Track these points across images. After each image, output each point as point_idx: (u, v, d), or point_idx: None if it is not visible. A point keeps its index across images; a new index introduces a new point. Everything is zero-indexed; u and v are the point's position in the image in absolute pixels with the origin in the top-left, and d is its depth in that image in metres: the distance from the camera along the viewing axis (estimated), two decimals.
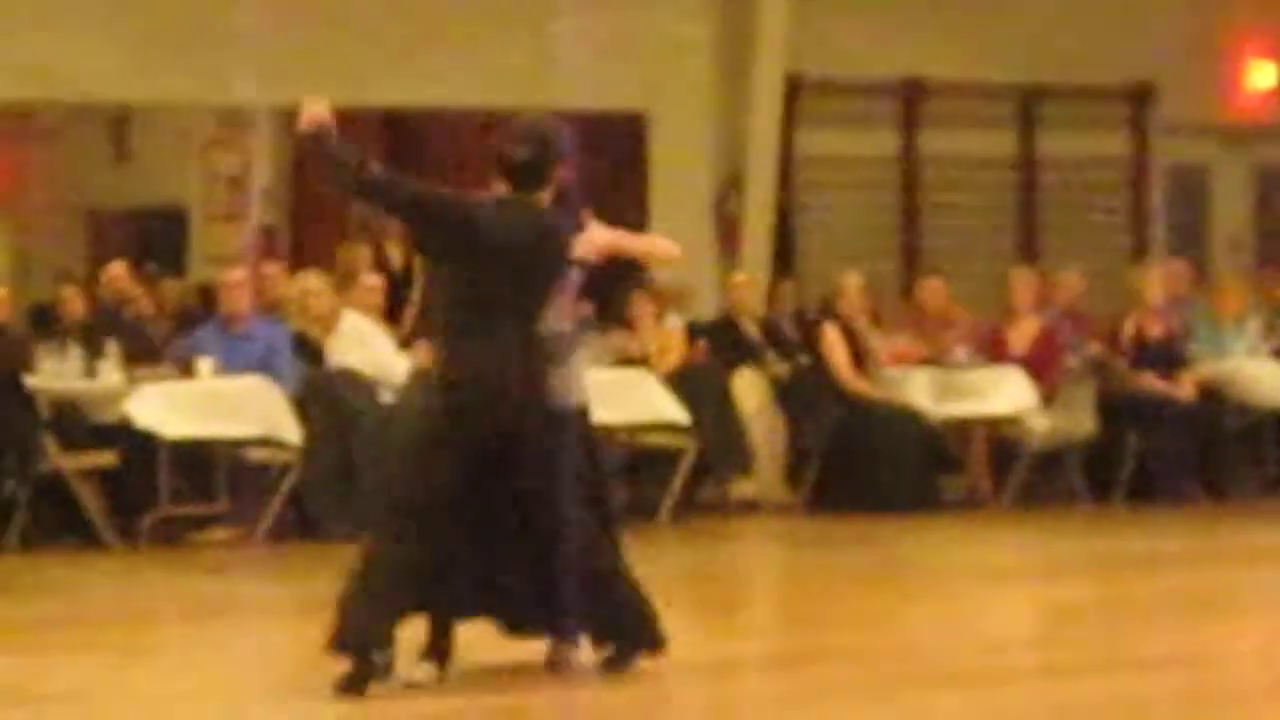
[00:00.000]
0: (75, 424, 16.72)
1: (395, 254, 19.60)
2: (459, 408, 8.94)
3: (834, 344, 18.15)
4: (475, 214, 8.87)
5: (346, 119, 20.78)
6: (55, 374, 16.63)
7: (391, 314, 18.30)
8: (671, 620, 12.55)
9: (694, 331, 18.54)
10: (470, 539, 9.01)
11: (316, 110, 8.69)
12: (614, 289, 10.07)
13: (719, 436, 17.73)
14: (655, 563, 15.19)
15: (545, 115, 9.47)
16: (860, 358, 18.21)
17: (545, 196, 8.82)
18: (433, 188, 9.19)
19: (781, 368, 18.71)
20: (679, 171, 21.02)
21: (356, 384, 16.94)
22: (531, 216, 8.79)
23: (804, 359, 18.63)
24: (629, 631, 9.27)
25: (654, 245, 9.75)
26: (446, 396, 9.04)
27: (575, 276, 9.04)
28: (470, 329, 8.97)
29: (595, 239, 8.93)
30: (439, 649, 9.02)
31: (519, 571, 9.09)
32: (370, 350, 17.24)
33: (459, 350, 9.05)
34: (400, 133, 22.78)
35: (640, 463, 17.77)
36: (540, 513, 8.93)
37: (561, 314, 8.92)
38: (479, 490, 8.93)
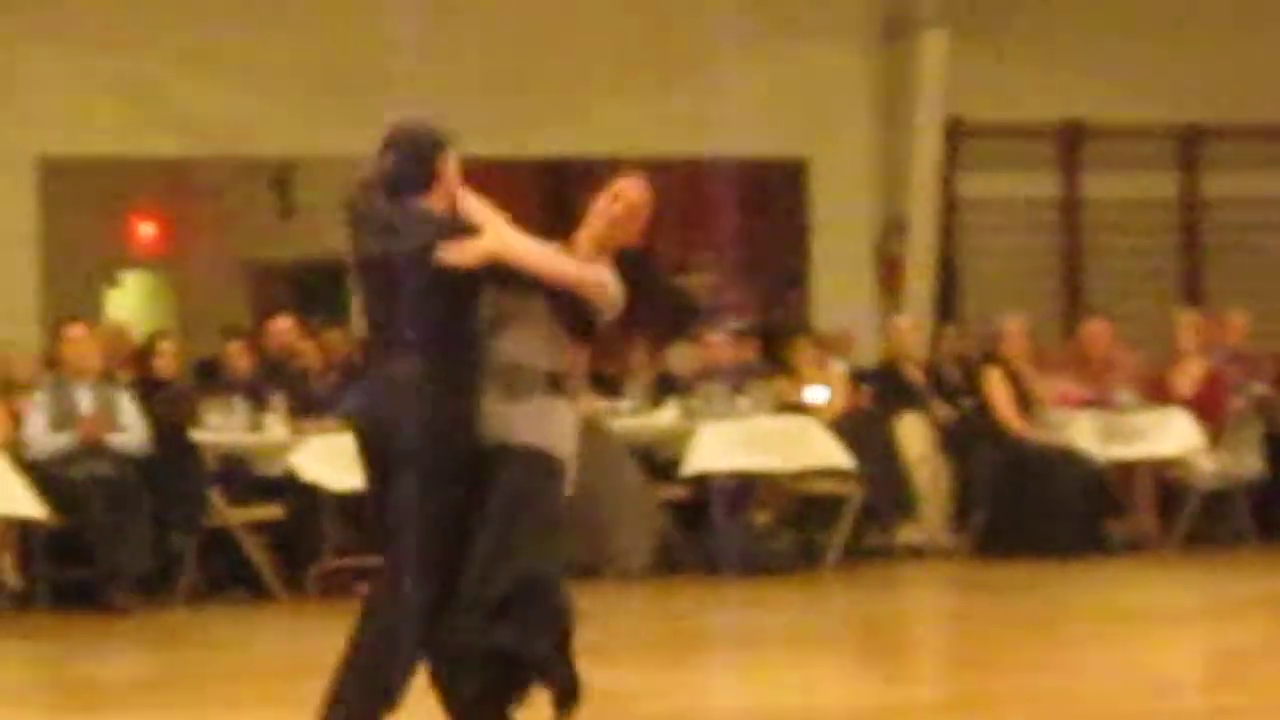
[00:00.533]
0: (241, 478, 16.81)
1: None
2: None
3: (997, 387, 18.08)
4: (359, 225, 8.53)
5: (507, 169, 21.08)
6: (221, 428, 16.68)
7: None
8: (838, 666, 13.54)
9: (857, 377, 18.53)
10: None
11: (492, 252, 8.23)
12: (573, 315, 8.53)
13: (884, 482, 17.59)
14: (821, 609, 16.34)
15: (419, 118, 8.76)
16: (1024, 401, 18.10)
17: (434, 200, 8.36)
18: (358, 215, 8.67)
19: (945, 412, 18.56)
20: (840, 216, 20.97)
21: None
22: (411, 225, 8.29)
23: (967, 403, 18.54)
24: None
25: (574, 273, 8.43)
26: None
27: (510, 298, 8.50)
28: (374, 360, 8.74)
29: (475, 247, 8.19)
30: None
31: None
32: None
33: (357, 387, 9.22)
34: (561, 182, 22.90)
35: (805, 509, 17.61)
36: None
37: (536, 347, 8.39)
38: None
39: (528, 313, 8.36)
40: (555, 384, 8.44)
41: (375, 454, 8.34)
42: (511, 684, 8.37)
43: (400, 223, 8.20)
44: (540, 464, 8.35)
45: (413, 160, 8.29)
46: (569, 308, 8.34)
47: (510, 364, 8.33)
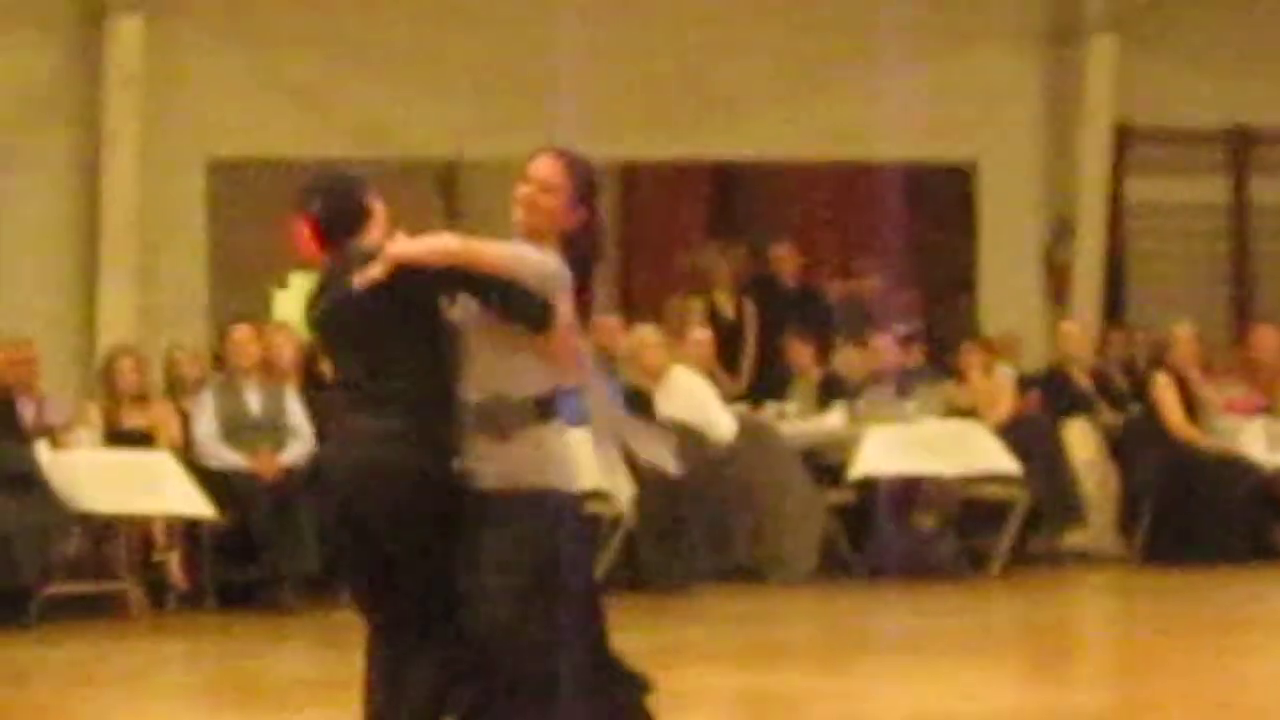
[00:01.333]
0: None
1: (726, 304, 19.51)
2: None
3: (1165, 393, 17.99)
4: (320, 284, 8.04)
5: (676, 171, 22.04)
6: None
7: (721, 362, 18.63)
8: (1001, 671, 13.66)
9: (1024, 382, 18.53)
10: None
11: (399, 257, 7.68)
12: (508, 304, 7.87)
13: (1051, 487, 17.56)
14: (985, 614, 16.18)
15: (340, 166, 8.74)
16: (1192, 407, 18.01)
17: (369, 238, 7.90)
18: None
19: (1113, 417, 18.53)
20: (1007, 221, 21.06)
21: (685, 436, 16.41)
22: (354, 265, 7.79)
23: (1135, 409, 18.53)
24: None
25: (486, 252, 7.90)
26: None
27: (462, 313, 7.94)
28: (342, 415, 8.28)
29: (382, 261, 7.65)
30: None
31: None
32: (697, 404, 17.35)
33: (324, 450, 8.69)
34: (726, 186, 23.01)
35: (971, 514, 17.62)
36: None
37: (516, 372, 7.77)
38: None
39: (493, 338, 7.80)
40: (545, 410, 7.78)
41: (352, 515, 7.75)
42: None
43: (341, 268, 7.79)
44: (549, 507, 7.72)
45: (341, 201, 7.92)
46: (514, 302, 7.77)
47: (492, 397, 7.75)
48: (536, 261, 7.67)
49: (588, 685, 7.59)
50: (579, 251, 7.82)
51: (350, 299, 7.67)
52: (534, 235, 7.74)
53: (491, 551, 7.53)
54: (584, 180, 7.86)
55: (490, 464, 7.61)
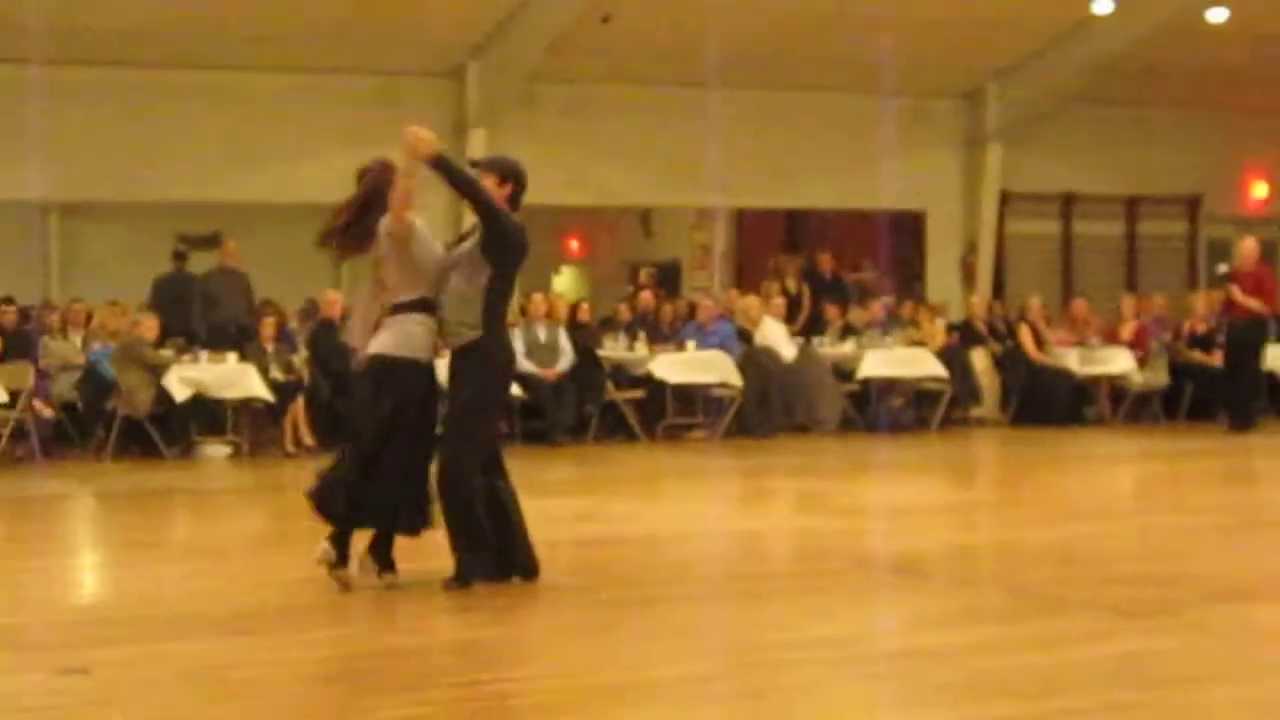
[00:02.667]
0: (622, 375, 18.64)
1: (791, 285, 20.99)
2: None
3: (1025, 335, 20.03)
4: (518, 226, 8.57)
5: (765, 212, 23.83)
6: (612, 349, 18.78)
7: (788, 317, 20.21)
8: (937, 481, 15.03)
9: (949, 328, 20.37)
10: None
11: (426, 143, 8.26)
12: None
13: (963, 385, 19.73)
14: (929, 452, 17.59)
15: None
16: (1039, 342, 19.96)
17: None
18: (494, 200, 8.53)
19: (997, 348, 20.26)
20: (941, 242, 22.90)
21: (770, 354, 19.06)
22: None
23: (1009, 343, 20.23)
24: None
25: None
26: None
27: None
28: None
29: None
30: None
31: None
32: (776, 338, 19.34)
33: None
34: (793, 220, 24.46)
35: (921, 398, 19.51)
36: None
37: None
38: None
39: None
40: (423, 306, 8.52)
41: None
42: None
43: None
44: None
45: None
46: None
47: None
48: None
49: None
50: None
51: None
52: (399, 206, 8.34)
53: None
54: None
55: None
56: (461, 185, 8.47)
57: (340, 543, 8.39)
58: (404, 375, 8.46)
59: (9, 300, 17.62)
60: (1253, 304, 18.55)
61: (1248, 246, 19.08)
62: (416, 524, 8.54)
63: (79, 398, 17.14)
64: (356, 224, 8.61)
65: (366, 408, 8.55)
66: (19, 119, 17.43)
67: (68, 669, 6.90)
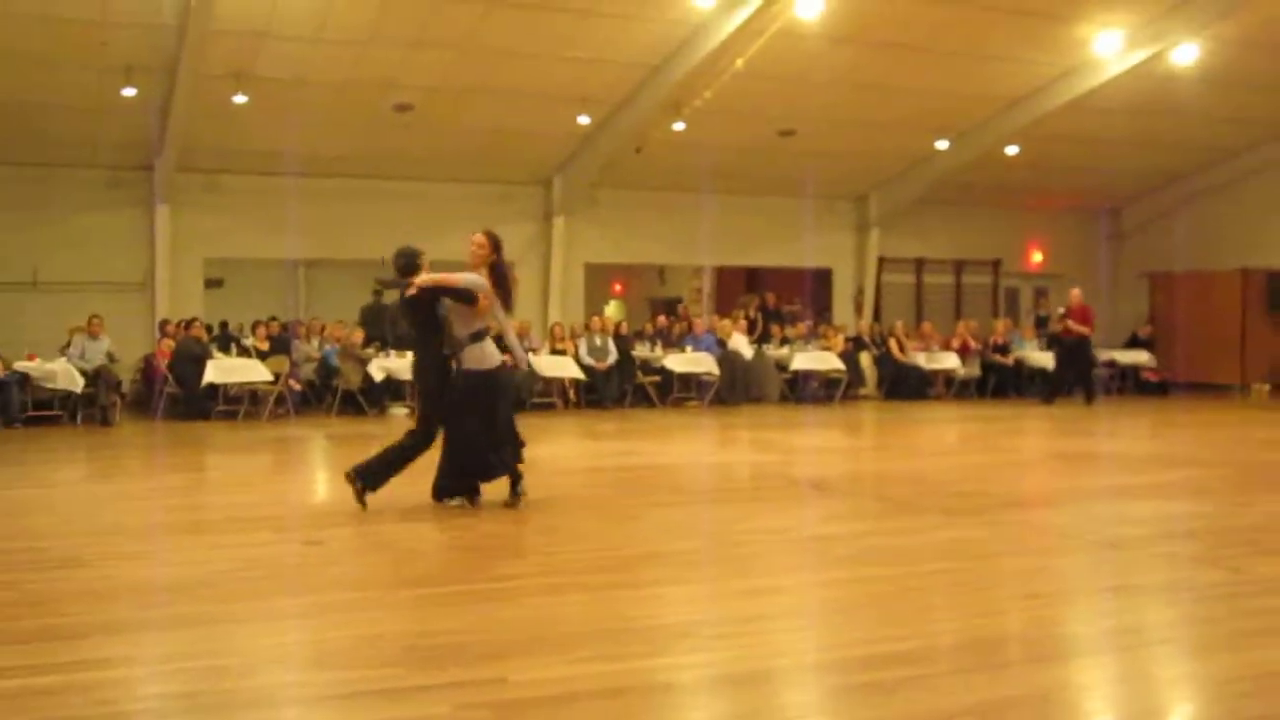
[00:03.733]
0: (647, 366, 17.54)
1: (750, 312, 19.98)
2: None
3: (892, 344, 19.42)
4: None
5: (735, 269, 21.37)
6: (641, 350, 17.87)
7: (749, 331, 19.10)
8: (836, 435, 13.71)
9: (846, 340, 19.34)
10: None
11: (433, 279, 7.75)
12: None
13: (854, 374, 18.82)
14: (833, 415, 16.29)
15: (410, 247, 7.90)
16: (902, 348, 19.28)
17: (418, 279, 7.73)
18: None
19: (875, 352, 19.58)
20: (842, 288, 21.68)
21: (737, 354, 17.95)
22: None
23: (882, 349, 19.50)
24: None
25: (449, 280, 7.74)
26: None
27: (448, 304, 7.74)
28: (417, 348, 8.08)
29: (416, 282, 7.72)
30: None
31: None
32: (741, 346, 18.28)
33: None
34: (753, 274, 23.18)
35: (828, 383, 18.38)
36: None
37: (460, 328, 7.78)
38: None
39: (456, 312, 7.74)
40: (478, 337, 7.76)
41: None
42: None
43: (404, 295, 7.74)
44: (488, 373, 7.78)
45: (408, 261, 7.81)
46: (461, 295, 7.66)
47: (455, 336, 7.77)
48: (467, 280, 7.65)
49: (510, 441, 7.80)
50: (497, 272, 7.77)
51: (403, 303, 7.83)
52: (477, 266, 7.76)
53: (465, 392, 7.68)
54: (495, 242, 7.82)
55: (461, 358, 7.73)
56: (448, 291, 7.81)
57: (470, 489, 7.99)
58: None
59: (274, 318, 17.64)
60: (1081, 329, 18.06)
61: (1075, 294, 18.52)
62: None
63: (316, 378, 17.01)
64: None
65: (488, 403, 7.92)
66: (284, 209, 17.32)
67: (310, 541, 6.93)
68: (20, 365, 14.90)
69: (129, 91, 14.86)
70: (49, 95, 14.96)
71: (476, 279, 7.64)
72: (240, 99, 15.25)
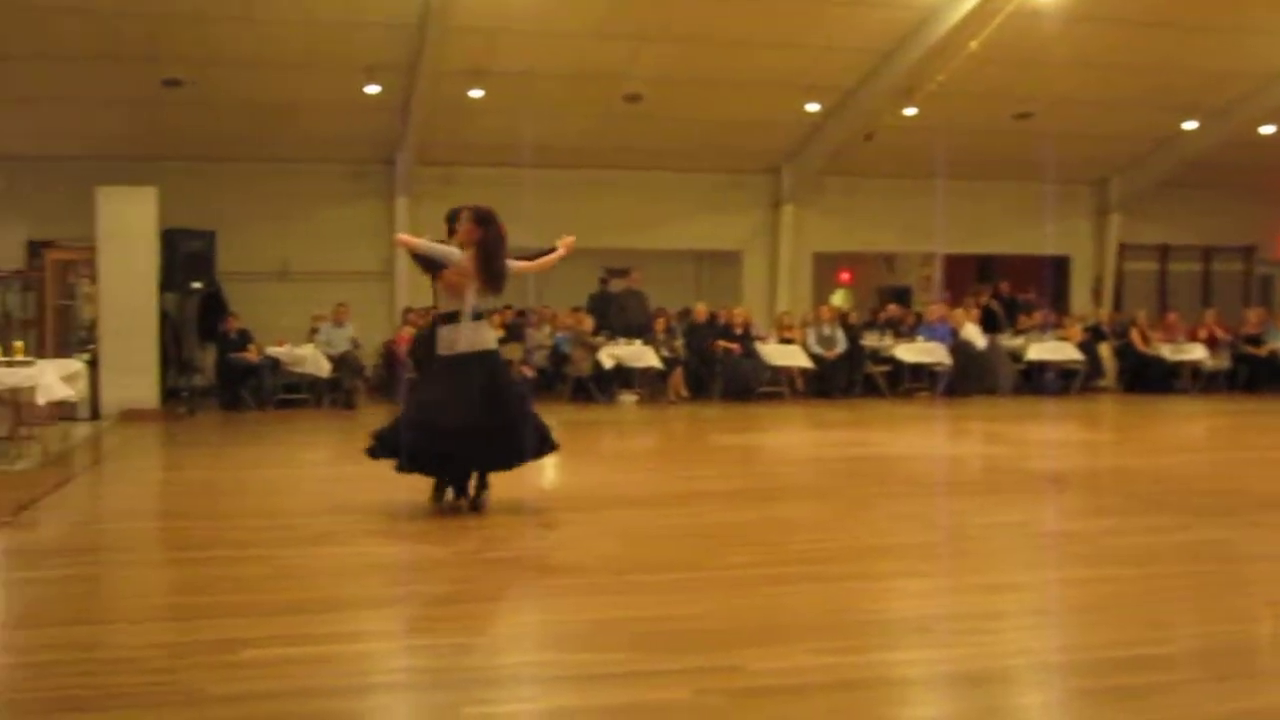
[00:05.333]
0: (876, 356, 17.19)
1: (983, 301, 19.18)
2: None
3: (1134, 334, 18.35)
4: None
5: (977, 258, 20.43)
6: (870, 339, 17.49)
7: (980, 320, 18.36)
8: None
9: (1086, 329, 18.49)
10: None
11: (404, 238, 7.41)
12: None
13: (1093, 365, 17.95)
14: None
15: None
16: (1145, 339, 18.22)
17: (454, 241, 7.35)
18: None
19: (1115, 342, 18.41)
20: (1083, 277, 21.02)
21: (969, 344, 17.54)
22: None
23: (1124, 339, 18.40)
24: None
25: (425, 245, 7.25)
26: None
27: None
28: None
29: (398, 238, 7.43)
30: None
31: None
32: (973, 333, 17.79)
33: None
34: (987, 262, 22.09)
35: (1065, 374, 17.55)
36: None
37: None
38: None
39: (437, 288, 7.31)
40: (448, 318, 7.24)
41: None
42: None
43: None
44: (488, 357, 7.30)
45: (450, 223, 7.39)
46: (430, 264, 7.28)
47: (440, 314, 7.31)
48: (440, 250, 7.13)
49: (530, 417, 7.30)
50: (486, 250, 7.16)
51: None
52: (465, 243, 7.20)
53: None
54: (480, 216, 7.23)
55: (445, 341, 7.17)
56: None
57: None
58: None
59: (509, 306, 17.77)
60: None
61: None
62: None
63: (548, 365, 17.11)
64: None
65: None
66: (516, 200, 16.57)
67: (543, 525, 7.10)
68: (272, 350, 15.58)
69: (372, 89, 15.57)
70: (300, 95, 15.65)
71: (450, 250, 7.20)
72: (476, 93, 15.95)
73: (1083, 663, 4.30)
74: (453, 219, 7.42)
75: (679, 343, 17.01)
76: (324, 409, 15.28)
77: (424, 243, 7.26)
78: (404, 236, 7.41)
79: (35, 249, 16.26)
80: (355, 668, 4.23)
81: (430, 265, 7.25)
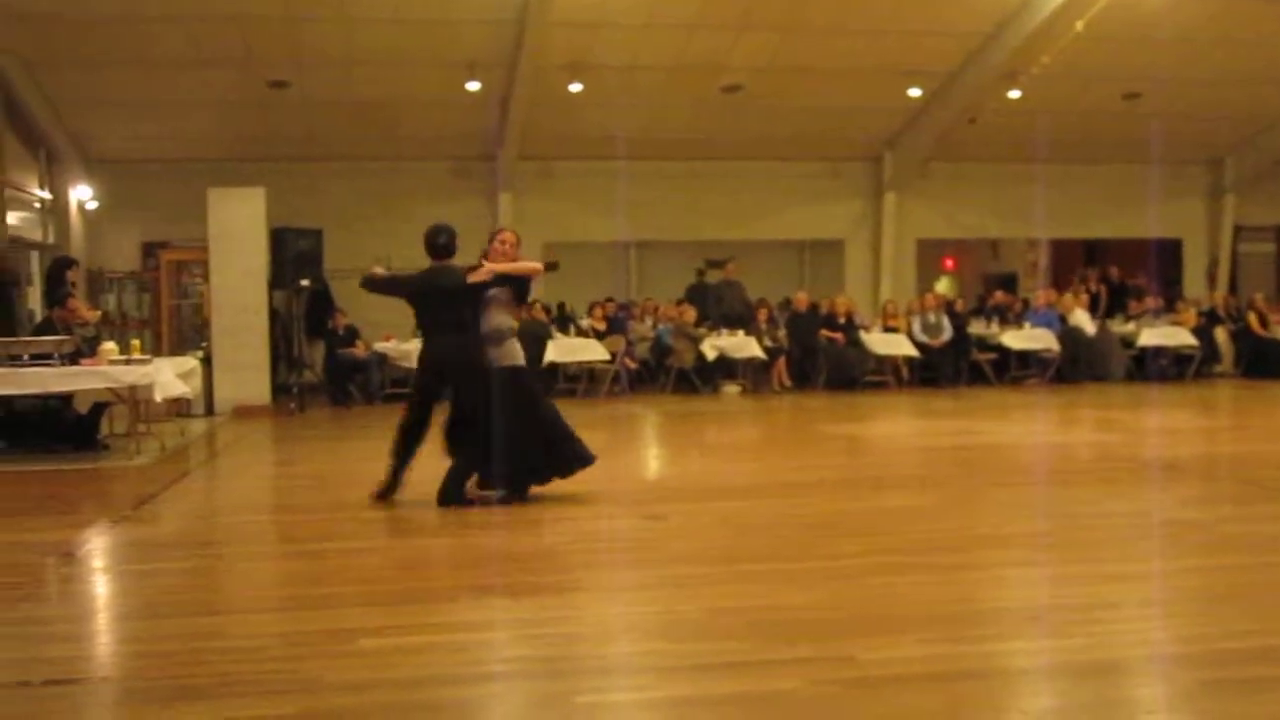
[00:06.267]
0: (983, 343, 17.13)
1: (1092, 286, 19.20)
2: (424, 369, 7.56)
3: (1252, 317, 18.08)
4: (414, 280, 7.49)
5: (1084, 243, 19.98)
6: (977, 327, 17.60)
7: (1089, 306, 18.25)
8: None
9: (1200, 313, 18.40)
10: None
11: (375, 272, 7.77)
12: (517, 292, 7.50)
13: (1208, 350, 17.86)
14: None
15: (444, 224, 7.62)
16: (1264, 322, 17.97)
17: (455, 262, 7.51)
18: (397, 278, 7.73)
19: (1232, 325, 18.26)
20: (1197, 260, 20.68)
21: (1078, 330, 17.41)
22: (448, 273, 7.40)
23: (1240, 323, 18.23)
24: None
25: (521, 266, 7.51)
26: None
27: (494, 293, 7.45)
28: (425, 333, 7.60)
29: (479, 273, 7.33)
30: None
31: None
32: (1082, 319, 17.63)
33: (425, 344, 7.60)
34: (1095, 246, 21.81)
35: (1179, 360, 17.46)
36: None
37: (493, 318, 7.47)
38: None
39: (497, 303, 7.45)
40: (507, 335, 7.50)
41: (439, 374, 7.39)
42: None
43: (443, 271, 7.46)
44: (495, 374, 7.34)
45: (447, 240, 7.49)
46: (521, 288, 7.52)
47: (493, 329, 7.47)
48: (528, 268, 7.48)
49: (564, 436, 7.45)
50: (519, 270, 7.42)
51: (451, 290, 7.34)
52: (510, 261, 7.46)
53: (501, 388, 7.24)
54: (517, 240, 7.63)
55: (495, 355, 7.34)
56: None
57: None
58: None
59: (610, 299, 17.93)
60: None
61: None
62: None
63: (651, 357, 17.15)
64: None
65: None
66: (615, 193, 17.56)
67: (650, 516, 7.07)
68: (379, 346, 15.74)
69: (473, 85, 15.90)
70: (401, 93, 15.86)
71: (533, 265, 7.61)
72: (575, 87, 16.09)
73: (1202, 654, 4.21)
74: (448, 235, 7.65)
75: (781, 332, 17.02)
76: None
77: (525, 266, 7.52)
78: (495, 266, 7.46)
79: (150, 250, 16.73)
80: (469, 656, 4.27)
81: (517, 281, 7.48)
